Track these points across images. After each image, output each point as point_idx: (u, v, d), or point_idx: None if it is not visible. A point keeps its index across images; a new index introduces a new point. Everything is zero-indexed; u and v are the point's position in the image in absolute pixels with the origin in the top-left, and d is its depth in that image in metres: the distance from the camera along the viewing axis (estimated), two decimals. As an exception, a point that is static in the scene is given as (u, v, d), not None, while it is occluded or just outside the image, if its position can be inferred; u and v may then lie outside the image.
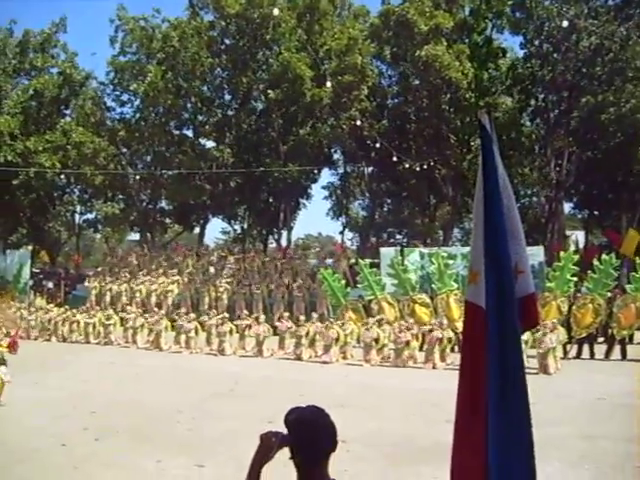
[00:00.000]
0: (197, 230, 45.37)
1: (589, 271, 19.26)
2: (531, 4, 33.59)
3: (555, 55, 33.74)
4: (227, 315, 21.71)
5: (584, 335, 18.44)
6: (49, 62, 40.62)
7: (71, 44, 49.56)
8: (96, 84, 42.03)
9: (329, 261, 28.53)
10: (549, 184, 35.15)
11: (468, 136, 35.93)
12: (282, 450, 2.71)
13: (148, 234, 42.87)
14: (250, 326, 20.22)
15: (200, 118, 41.22)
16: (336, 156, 42.43)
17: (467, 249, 22.89)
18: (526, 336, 14.64)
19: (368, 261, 23.37)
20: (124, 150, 42.46)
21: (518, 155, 35.75)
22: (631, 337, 18.73)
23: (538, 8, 33.63)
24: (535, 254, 19.83)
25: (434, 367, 16.75)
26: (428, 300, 20.56)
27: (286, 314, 21.61)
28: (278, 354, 19.40)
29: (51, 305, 27.41)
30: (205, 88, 40.43)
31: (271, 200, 41.72)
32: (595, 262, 19.11)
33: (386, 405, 11.88)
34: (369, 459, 8.13)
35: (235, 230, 46.31)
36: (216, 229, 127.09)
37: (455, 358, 17.30)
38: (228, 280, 27.71)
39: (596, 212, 40.29)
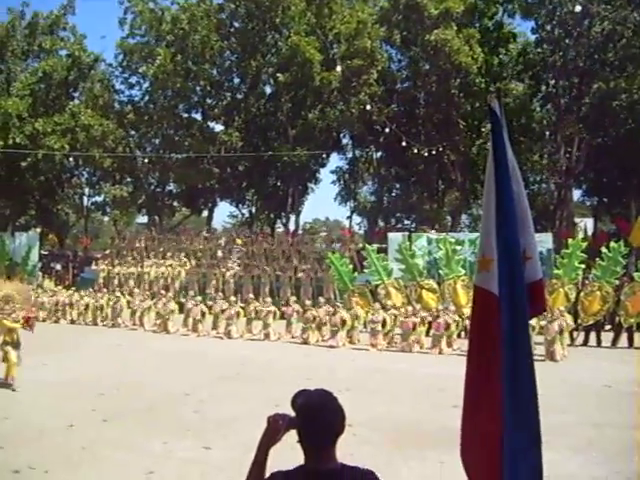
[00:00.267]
0: (205, 213, 45.46)
1: (597, 258, 19.18)
2: (543, -12, 33.29)
3: (567, 40, 33.45)
4: (234, 299, 21.77)
5: (591, 322, 18.40)
6: (58, 44, 40.57)
7: (80, 26, 49.30)
8: (105, 66, 42.02)
9: (337, 246, 28.51)
10: (558, 171, 34.96)
11: (478, 121, 35.78)
12: (289, 433, 2.72)
13: (156, 217, 42.96)
14: (257, 310, 20.27)
15: (209, 101, 41.19)
16: (345, 140, 42.34)
17: (475, 235, 22.84)
18: (533, 322, 14.63)
19: (376, 246, 23.36)
20: (132, 133, 42.51)
21: (528, 141, 35.57)
22: (638, 325, 18.66)
23: (550, -8, 33.32)
24: (543, 241, 19.79)
25: (441, 352, 16.77)
26: (435, 286, 20.54)
27: (293, 298, 21.66)
28: (285, 338, 19.45)
29: (59, 287, 27.55)
30: (214, 71, 40.34)
31: (279, 184, 41.71)
32: (603, 250, 19.02)
33: (392, 389, 11.90)
34: (375, 443, 8.16)
35: (243, 214, 46.37)
36: (224, 213, 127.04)
37: (462, 344, 17.30)
38: (236, 264, 27.76)
39: (605, 199, 40.08)
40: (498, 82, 35.26)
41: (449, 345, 17.21)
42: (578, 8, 29.05)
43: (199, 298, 22.19)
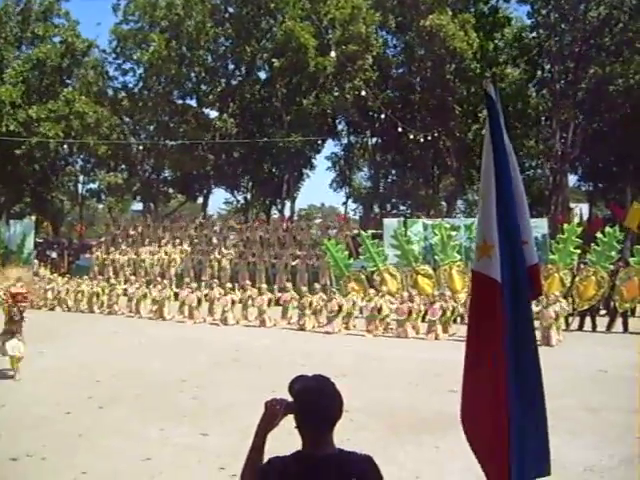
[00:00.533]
0: (200, 200, 45.37)
1: (592, 244, 19.21)
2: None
3: (563, 25, 33.32)
4: (230, 285, 21.77)
5: (586, 307, 18.46)
6: (51, 31, 40.20)
7: (73, 12, 48.87)
8: (98, 53, 41.72)
9: (332, 232, 28.50)
10: (554, 156, 34.94)
11: (473, 107, 35.72)
12: (286, 418, 2.72)
13: (151, 204, 42.88)
14: (252, 296, 20.28)
15: (204, 88, 41.02)
16: (340, 126, 42.22)
17: (470, 220, 22.86)
18: (529, 308, 14.65)
19: (371, 232, 23.36)
20: (127, 120, 42.31)
21: (523, 127, 35.53)
22: (633, 310, 18.75)
23: (546, -24, 33.18)
24: (539, 226, 19.80)
25: (436, 338, 16.82)
26: (431, 271, 20.56)
27: (289, 284, 21.67)
28: (281, 324, 19.48)
29: (55, 275, 27.51)
30: (209, 57, 40.12)
31: (274, 170, 41.66)
32: (599, 235, 19.05)
33: (389, 375, 11.95)
34: (371, 428, 8.19)
35: (238, 200, 46.31)
36: (219, 199, 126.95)
37: (457, 329, 17.38)
38: (231, 250, 27.76)
39: (601, 185, 40.12)
40: (493, 67, 35.18)
41: (445, 331, 17.26)
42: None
43: (195, 285, 22.17)
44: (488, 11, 36.89)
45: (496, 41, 36.75)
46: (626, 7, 32.11)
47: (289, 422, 2.70)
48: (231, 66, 41.16)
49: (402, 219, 25.34)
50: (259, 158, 39.76)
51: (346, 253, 22.48)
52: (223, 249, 27.85)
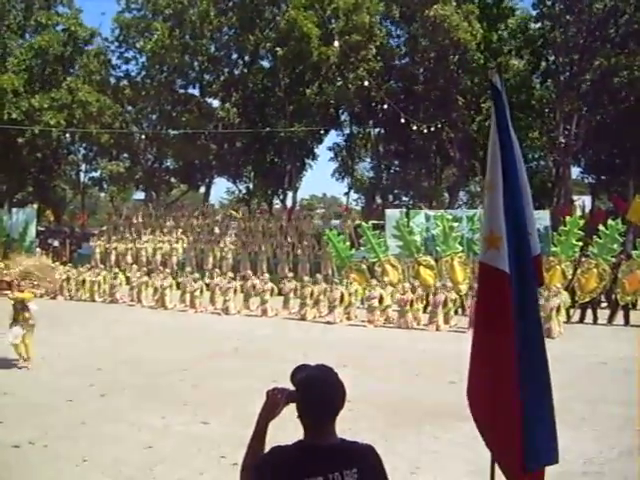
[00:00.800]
0: (202, 190, 45.36)
1: (594, 236, 19.20)
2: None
3: (567, 16, 33.11)
4: (231, 275, 21.79)
5: (587, 300, 18.47)
6: (54, 19, 40.07)
7: (76, 1, 48.39)
8: (101, 41, 41.60)
9: (334, 222, 28.50)
10: (557, 148, 34.84)
11: (477, 98, 35.58)
12: (288, 407, 2.73)
13: (153, 193, 42.87)
14: (254, 286, 20.32)
15: (207, 77, 40.89)
16: (342, 117, 42.09)
17: (472, 212, 22.87)
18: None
19: (373, 222, 23.36)
20: (129, 108, 42.25)
21: (527, 118, 35.39)
22: (634, 303, 18.76)
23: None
24: (541, 218, 19.79)
25: (438, 329, 16.86)
26: (433, 262, 20.56)
27: (290, 274, 21.68)
28: (282, 314, 19.51)
29: (57, 263, 27.51)
30: (212, 46, 39.99)
31: (277, 160, 41.58)
32: (601, 227, 19.03)
33: (389, 365, 11.97)
34: (371, 418, 8.22)
35: (240, 190, 46.27)
36: (221, 189, 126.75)
37: (458, 320, 17.42)
38: (233, 240, 27.77)
39: (603, 177, 40.01)
40: (497, 58, 35.02)
41: (446, 322, 17.29)
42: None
43: (197, 274, 22.20)
44: (492, 2, 36.71)
45: (500, 32, 36.58)
46: (631, -1, 31.93)
47: (290, 411, 2.70)
48: (234, 55, 41.04)
49: (404, 210, 25.34)
50: (261, 148, 39.72)
51: (347, 244, 22.48)
52: (225, 238, 27.86)
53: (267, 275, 21.65)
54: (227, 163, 40.96)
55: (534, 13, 35.90)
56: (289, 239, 27.01)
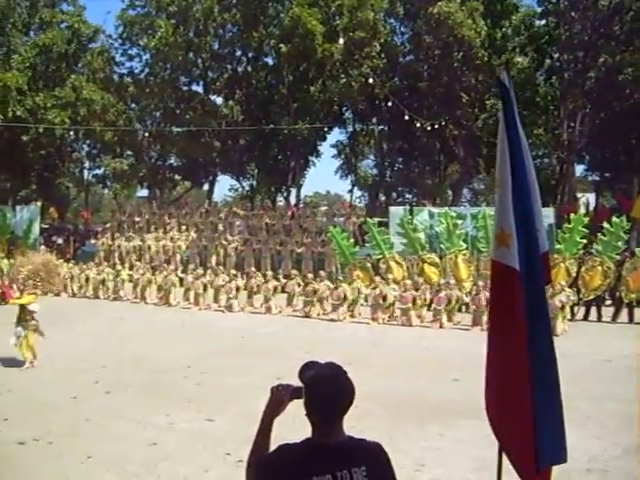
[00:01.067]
0: (206, 187, 45.37)
1: (599, 234, 19.16)
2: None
3: (572, 13, 32.99)
4: (235, 272, 21.79)
5: (592, 297, 18.44)
6: (58, 17, 40.04)
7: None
8: (104, 38, 41.59)
9: (338, 219, 28.46)
10: (561, 145, 34.75)
11: (481, 95, 35.50)
12: (292, 403, 2.73)
13: (157, 190, 42.88)
14: (258, 283, 20.32)
15: (210, 74, 40.86)
16: (346, 114, 42.05)
17: (476, 209, 22.85)
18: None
19: (377, 220, 23.33)
20: (133, 106, 42.26)
21: (531, 115, 35.30)
22: (639, 301, 18.71)
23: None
24: (545, 215, 19.57)
25: (441, 326, 16.84)
26: (437, 259, 20.54)
27: (294, 272, 21.68)
28: (286, 311, 19.51)
29: (60, 261, 27.57)
30: (216, 44, 39.96)
31: (280, 157, 41.55)
32: (605, 225, 19.00)
33: (393, 363, 11.98)
34: (376, 416, 8.22)
35: (244, 187, 46.29)
36: (225, 186, 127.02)
37: (462, 318, 17.42)
38: (237, 237, 27.77)
39: (607, 175, 39.91)
40: (502, 55, 34.92)
41: (450, 319, 17.29)
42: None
43: (200, 271, 22.20)
44: (496, -1, 36.61)
45: (504, 29, 36.48)
46: (637, -4, 31.80)
47: (296, 407, 2.70)
48: (238, 52, 41.00)
49: (408, 207, 25.31)
50: (265, 145, 39.70)
51: (351, 241, 22.46)
52: (228, 236, 27.85)
53: (271, 272, 21.64)
54: (231, 160, 40.95)
55: (539, 10, 35.80)
56: (293, 237, 26.97)
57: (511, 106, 3.10)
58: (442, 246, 21.00)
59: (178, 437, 7.69)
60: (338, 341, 14.48)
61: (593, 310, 18.39)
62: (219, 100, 41.05)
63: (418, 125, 32.25)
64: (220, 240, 27.45)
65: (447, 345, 14.18)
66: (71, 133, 39.50)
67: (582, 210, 25.85)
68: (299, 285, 19.89)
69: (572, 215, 19.98)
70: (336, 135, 58.01)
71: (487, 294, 16.66)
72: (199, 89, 41.49)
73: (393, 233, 21.94)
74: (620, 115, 33.05)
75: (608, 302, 18.97)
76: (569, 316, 17.17)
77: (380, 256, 21.16)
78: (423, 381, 10.49)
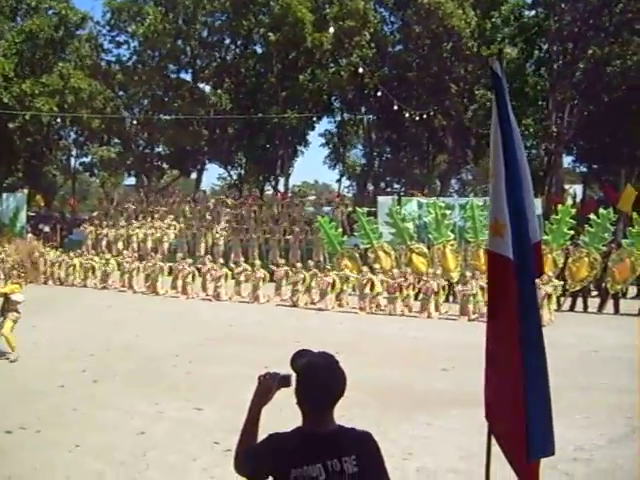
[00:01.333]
0: (194, 175, 45.19)
1: (586, 225, 19.27)
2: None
3: (562, 5, 33.00)
4: (223, 261, 21.75)
5: (578, 288, 18.56)
6: (45, 2, 39.60)
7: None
8: (92, 25, 41.18)
9: (327, 209, 28.46)
10: (549, 136, 34.86)
11: (470, 86, 35.52)
12: (280, 392, 2.73)
13: (144, 179, 42.67)
14: (246, 272, 20.30)
15: (199, 62, 40.63)
16: (335, 103, 41.97)
17: (465, 200, 22.91)
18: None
19: (365, 209, 23.34)
20: (121, 93, 41.96)
21: (521, 105, 35.36)
22: (624, 292, 18.86)
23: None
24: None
25: (429, 316, 16.92)
26: (425, 250, 20.58)
27: (282, 261, 21.65)
28: (274, 300, 19.51)
29: (47, 249, 27.41)
30: (205, 31, 39.71)
31: (269, 146, 41.44)
32: (592, 216, 19.11)
33: (381, 352, 12.01)
34: (364, 405, 8.23)
35: (232, 176, 46.15)
36: (213, 175, 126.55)
37: (449, 308, 17.51)
38: (224, 226, 27.71)
39: (595, 166, 40.09)
40: (491, 46, 34.91)
41: (437, 309, 17.36)
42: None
43: (189, 260, 22.14)
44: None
45: (494, 19, 36.47)
46: (626, -12, 31.84)
47: (287, 397, 2.70)
48: (227, 40, 40.79)
49: (396, 197, 25.33)
50: (253, 134, 39.57)
51: (340, 230, 22.46)
52: (216, 225, 27.78)
53: (258, 262, 21.63)
54: (219, 149, 40.82)
55: (528, 1, 35.83)
56: (281, 226, 26.94)
57: (504, 96, 3.11)
58: (430, 236, 21.05)
59: (166, 426, 7.68)
60: (326, 330, 14.49)
61: (579, 301, 18.52)
62: (207, 88, 40.93)
63: (407, 115, 32.26)
64: (208, 229, 27.38)
65: (435, 335, 14.24)
66: (58, 120, 39.13)
67: (569, 201, 25.97)
68: (287, 274, 19.88)
69: (559, 206, 20.08)
70: (325, 124, 58.10)
71: (474, 284, 16.78)
72: (187, 77, 41.35)
73: (381, 223, 21.95)
74: (608, 107, 33.19)
75: (594, 293, 19.12)
76: (555, 307, 17.27)
77: (368, 246, 21.18)
78: (411, 371, 10.52)
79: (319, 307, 18.20)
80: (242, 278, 20.31)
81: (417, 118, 32.33)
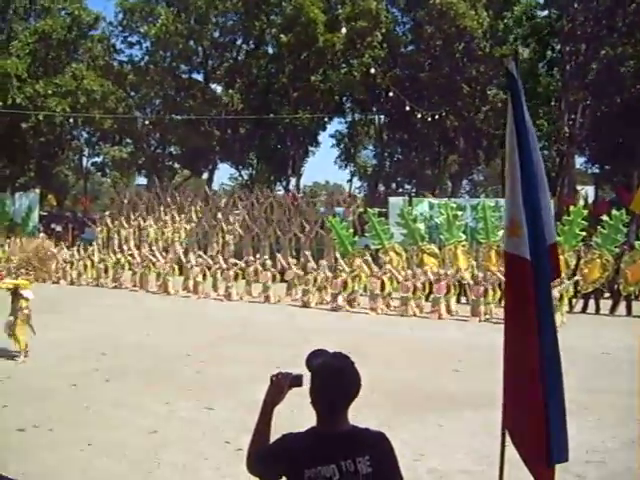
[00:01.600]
0: (205, 175, 45.31)
1: (598, 226, 19.18)
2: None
3: (575, 5, 32.85)
4: (233, 261, 21.78)
5: (590, 290, 18.47)
6: (58, 3, 39.81)
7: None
8: (105, 25, 41.39)
9: (338, 209, 28.42)
10: (561, 137, 34.69)
11: (482, 86, 35.42)
12: (291, 393, 2.73)
13: (156, 179, 42.81)
14: (257, 272, 20.32)
15: (211, 62, 40.73)
16: (347, 104, 41.96)
17: (476, 201, 22.87)
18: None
19: (376, 210, 23.33)
20: (133, 94, 42.14)
21: (533, 105, 35.23)
22: (637, 294, 18.75)
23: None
24: (546, 207, 19.74)
25: (440, 317, 16.87)
26: (437, 250, 20.55)
27: (293, 261, 21.64)
28: (285, 300, 19.51)
29: (58, 248, 27.49)
30: (217, 32, 39.81)
31: (280, 147, 41.49)
32: (605, 217, 19.01)
33: (392, 353, 11.99)
34: (375, 405, 8.20)
35: (243, 177, 46.22)
36: (224, 175, 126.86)
37: (460, 308, 17.46)
38: (236, 226, 27.73)
39: (607, 167, 39.85)
40: (503, 46, 34.81)
41: (448, 310, 17.31)
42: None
43: (200, 260, 22.17)
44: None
45: (506, 20, 36.36)
46: (640, -13, 31.65)
47: (303, 398, 2.70)
48: (239, 41, 40.89)
49: (407, 198, 25.30)
50: (265, 134, 39.65)
51: (351, 230, 22.45)
52: (228, 225, 27.80)
53: (269, 261, 21.63)
54: (230, 149, 40.91)
55: (541, 1, 35.70)
56: (292, 226, 26.93)
57: (519, 97, 3.11)
58: (442, 237, 21.01)
59: (178, 425, 7.71)
60: (337, 330, 14.48)
61: (591, 303, 18.43)
62: (219, 89, 41.04)
63: (418, 116, 32.23)
64: (219, 229, 27.40)
65: (446, 336, 14.22)
66: (70, 121, 39.33)
67: (581, 202, 25.84)
68: (298, 274, 19.88)
69: (572, 207, 19.99)
70: (336, 125, 58.11)
71: (485, 285, 16.74)
72: (199, 77, 41.48)
73: (392, 223, 21.96)
74: (621, 108, 33.00)
75: (606, 295, 19.01)
76: (567, 308, 17.20)
77: (380, 246, 21.15)
78: (423, 371, 10.50)
79: (330, 307, 18.19)
80: (253, 278, 20.32)
81: (429, 119, 32.30)
